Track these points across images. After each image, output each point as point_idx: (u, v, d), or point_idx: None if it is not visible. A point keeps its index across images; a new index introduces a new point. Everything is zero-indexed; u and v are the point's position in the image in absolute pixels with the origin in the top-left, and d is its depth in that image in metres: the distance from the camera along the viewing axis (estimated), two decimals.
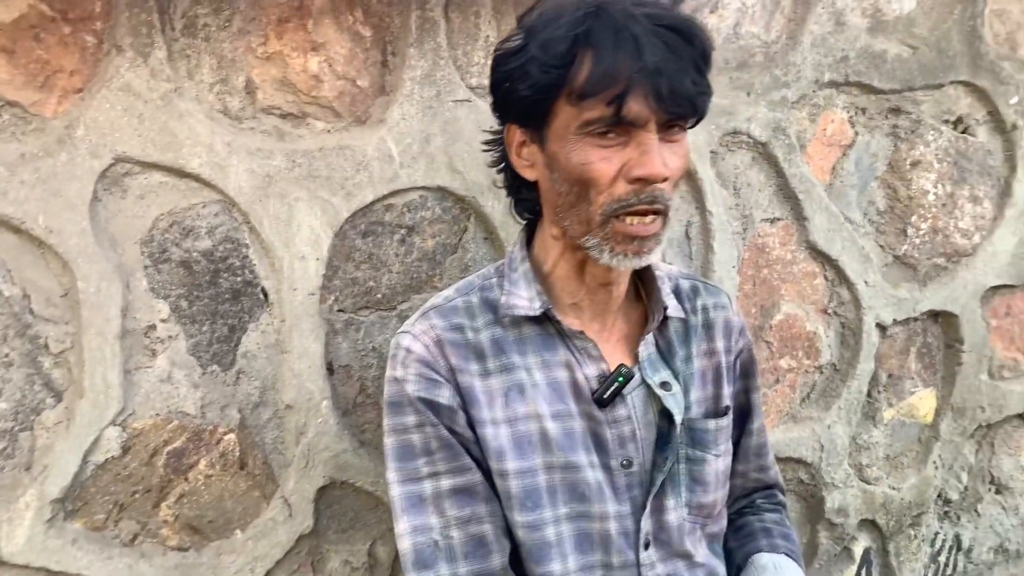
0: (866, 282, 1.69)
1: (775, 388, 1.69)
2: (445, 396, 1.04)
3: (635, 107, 0.92)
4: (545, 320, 1.08)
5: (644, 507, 1.08)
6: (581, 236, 1.01)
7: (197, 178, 1.23)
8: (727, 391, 1.17)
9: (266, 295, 1.30)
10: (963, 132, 1.76)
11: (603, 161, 0.95)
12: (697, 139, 1.50)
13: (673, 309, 1.12)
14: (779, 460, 1.70)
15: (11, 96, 1.14)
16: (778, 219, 1.63)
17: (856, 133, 1.67)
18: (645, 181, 0.95)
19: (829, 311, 1.71)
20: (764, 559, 1.17)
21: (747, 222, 1.60)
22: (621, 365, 1.06)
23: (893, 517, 1.85)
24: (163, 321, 1.24)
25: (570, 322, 1.09)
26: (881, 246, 1.73)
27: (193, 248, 1.25)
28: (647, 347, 1.12)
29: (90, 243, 1.18)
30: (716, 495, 1.14)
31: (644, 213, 0.97)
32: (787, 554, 1.19)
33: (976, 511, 1.99)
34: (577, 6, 0.96)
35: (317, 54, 1.28)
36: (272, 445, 1.32)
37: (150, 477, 1.25)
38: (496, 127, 1.15)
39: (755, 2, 1.55)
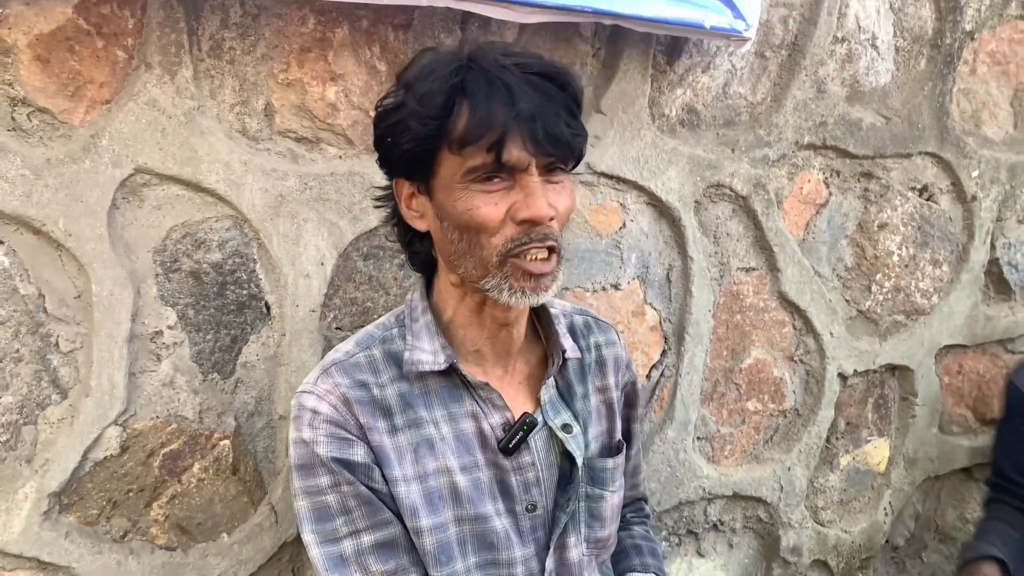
0: (831, 333, 1.79)
1: (740, 428, 1.78)
2: (359, 454, 1.03)
3: (514, 152, 0.96)
4: (450, 371, 1.09)
5: (548, 547, 1.11)
6: (479, 279, 1.02)
7: (213, 193, 1.29)
8: (618, 425, 1.23)
9: (268, 309, 1.35)
10: (928, 199, 1.88)
11: (489, 206, 0.98)
12: (683, 189, 1.60)
13: (571, 350, 1.16)
14: (740, 498, 1.79)
15: (42, 103, 1.19)
16: (753, 269, 1.72)
17: (830, 193, 1.78)
18: (532, 222, 0.98)
19: (795, 359, 1.80)
20: None
21: (724, 269, 1.69)
22: (525, 414, 1.09)
23: (843, 559, 1.94)
24: (170, 328, 1.29)
25: (473, 371, 1.10)
26: (847, 300, 1.83)
27: (203, 260, 1.30)
28: (548, 390, 1.15)
29: (106, 248, 1.23)
30: (611, 528, 1.19)
31: (536, 255, 1.00)
32: (656, 572, 1.29)
33: (921, 558, 2.09)
34: (451, 60, 1.00)
35: (335, 84, 1.35)
36: (263, 453, 1.37)
37: (145, 477, 1.29)
38: (385, 183, 1.15)
39: (744, 65, 1.65)
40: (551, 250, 1.01)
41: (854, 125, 1.75)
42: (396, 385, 1.08)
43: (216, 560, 1.34)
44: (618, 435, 1.23)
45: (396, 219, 1.14)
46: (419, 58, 1.03)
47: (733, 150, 1.65)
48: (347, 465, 1.03)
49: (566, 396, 1.18)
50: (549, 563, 1.11)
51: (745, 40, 1.48)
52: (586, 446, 1.16)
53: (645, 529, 1.37)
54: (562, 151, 0.98)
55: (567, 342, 1.17)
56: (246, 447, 1.36)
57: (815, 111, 1.71)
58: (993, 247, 1.98)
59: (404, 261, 1.42)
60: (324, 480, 1.02)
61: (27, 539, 1.22)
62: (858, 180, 1.80)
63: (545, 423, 1.13)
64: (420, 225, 1.08)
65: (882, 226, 1.83)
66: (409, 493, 1.05)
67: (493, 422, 1.10)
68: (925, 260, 1.90)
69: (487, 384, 1.10)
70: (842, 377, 1.83)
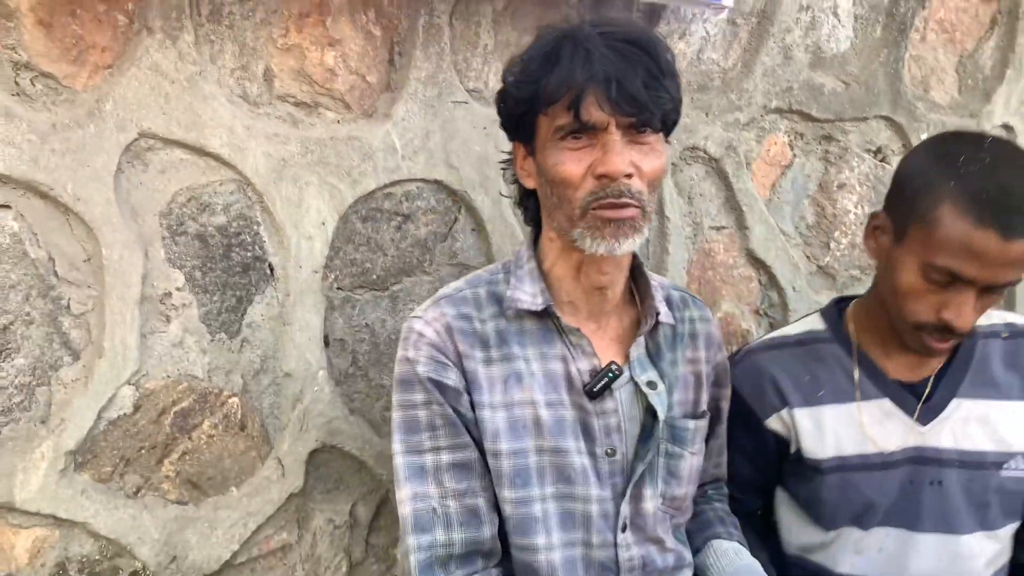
0: (793, 288, 1.91)
1: None
2: (452, 378, 1.13)
3: (592, 111, 1.04)
4: (545, 315, 1.18)
5: (624, 494, 1.17)
6: (568, 231, 1.11)
7: (217, 157, 1.31)
8: (704, 397, 1.28)
9: (272, 270, 1.39)
10: (881, 160, 2.00)
11: (573, 162, 1.07)
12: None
13: (665, 315, 1.23)
14: None
15: (46, 68, 1.20)
16: (724, 227, 1.82)
17: (794, 155, 1.88)
18: (607, 177, 1.05)
19: (760, 311, 1.92)
20: (724, 545, 1.31)
21: (697, 229, 1.79)
22: (612, 362, 1.16)
23: None
24: (178, 290, 1.32)
25: (568, 319, 1.18)
26: (808, 256, 1.95)
27: (209, 223, 1.33)
28: (638, 348, 1.21)
29: (114, 212, 1.25)
30: (688, 489, 1.24)
31: (613, 206, 1.06)
32: (739, 542, 1.34)
33: None
34: (553, 33, 1.11)
35: (333, 49, 1.38)
36: (269, 410, 1.42)
37: (157, 434, 1.33)
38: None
39: (717, 32, 1.73)
40: (635, 205, 1.07)
41: (816, 90, 1.85)
42: (495, 322, 1.18)
43: (226, 513, 1.39)
44: (703, 406, 1.28)
45: (515, 178, 1.24)
46: (537, 34, 1.14)
47: (707, 114, 1.73)
48: (440, 387, 1.13)
49: (655, 357, 1.24)
50: (625, 509, 1.17)
51: (723, 8, 1.55)
52: (670, 407, 1.22)
53: (725, 505, 1.42)
54: (640, 111, 1.04)
55: (663, 307, 1.23)
56: (253, 404, 1.40)
57: (782, 77, 1.80)
58: None
59: (399, 223, 1.47)
60: (419, 396, 1.13)
61: (44, 497, 1.25)
62: (819, 143, 1.90)
63: (631, 378, 1.20)
64: (529, 183, 1.19)
65: (840, 186, 1.94)
66: (494, 418, 1.14)
67: (581, 367, 1.17)
68: None
69: (578, 330, 1.18)
70: None
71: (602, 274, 1.16)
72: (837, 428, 1.35)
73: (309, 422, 1.43)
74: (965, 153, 1.18)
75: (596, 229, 1.08)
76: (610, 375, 1.16)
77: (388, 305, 1.50)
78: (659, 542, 1.21)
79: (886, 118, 1.96)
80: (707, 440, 1.37)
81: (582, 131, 1.07)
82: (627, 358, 1.21)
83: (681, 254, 1.76)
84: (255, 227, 1.37)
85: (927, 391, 1.33)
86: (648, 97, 1.04)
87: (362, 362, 1.49)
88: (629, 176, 1.06)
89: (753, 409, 1.40)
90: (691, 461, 1.24)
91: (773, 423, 1.39)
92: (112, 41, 1.24)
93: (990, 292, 1.17)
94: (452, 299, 1.19)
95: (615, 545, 1.17)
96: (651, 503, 1.20)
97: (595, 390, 1.16)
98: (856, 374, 1.36)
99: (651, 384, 1.20)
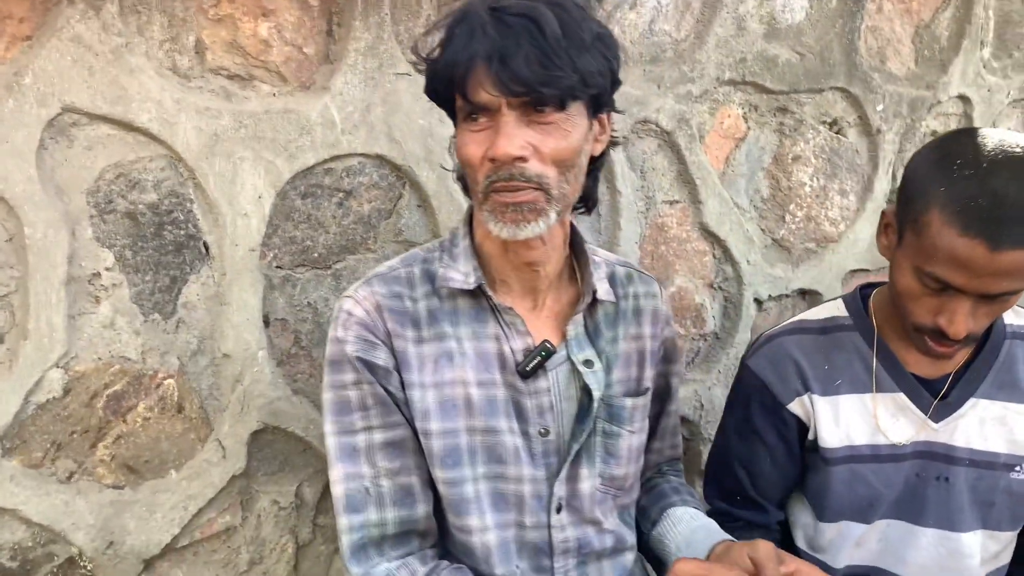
0: (748, 261, 1.90)
1: None
2: (381, 358, 1.12)
3: (479, 91, 0.99)
4: (479, 294, 1.16)
5: (558, 474, 1.17)
6: (480, 211, 1.09)
7: (146, 132, 1.27)
8: (648, 374, 1.27)
9: (207, 249, 1.35)
10: (837, 133, 1.98)
11: (474, 144, 1.04)
12: (613, 126, 1.64)
13: (603, 293, 1.21)
14: None
15: None
16: (677, 201, 1.80)
17: (748, 128, 1.85)
18: (495, 160, 1.01)
19: (715, 286, 1.91)
20: (679, 511, 1.30)
21: (650, 203, 1.76)
22: (545, 341, 1.15)
23: None
24: (107, 269, 1.28)
25: (501, 298, 1.17)
26: (763, 230, 1.93)
27: (139, 200, 1.29)
28: (575, 326, 1.20)
29: (37, 190, 1.20)
30: (628, 469, 1.23)
31: (507, 190, 1.03)
32: (695, 507, 1.34)
33: None
34: (453, 11, 1.05)
35: (267, 19, 1.33)
36: (208, 391, 1.39)
37: (89, 418, 1.29)
38: None
39: (668, 2, 1.69)
40: (534, 188, 1.03)
41: (771, 61, 1.82)
42: (428, 301, 1.16)
43: (165, 496, 1.37)
44: (646, 384, 1.26)
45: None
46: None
47: (659, 86, 1.70)
48: (369, 366, 1.11)
49: (593, 336, 1.22)
50: (559, 489, 1.16)
51: None
52: (608, 386, 1.20)
53: (682, 480, 1.42)
54: (526, 90, 0.98)
55: (601, 285, 1.21)
56: (191, 386, 1.37)
57: (735, 48, 1.77)
58: (895, 178, 2.11)
59: (341, 199, 1.44)
60: (349, 376, 1.11)
61: None
62: (774, 115, 1.88)
63: (568, 357, 1.18)
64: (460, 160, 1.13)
65: (795, 159, 1.92)
66: (424, 398, 1.12)
67: (514, 346, 1.16)
68: (834, 191, 2.01)
69: (511, 309, 1.16)
70: (758, 302, 1.94)
71: (530, 249, 1.13)
72: (851, 418, 1.34)
73: (250, 403, 1.40)
74: (963, 156, 1.11)
75: (497, 213, 1.05)
76: (543, 354, 1.15)
77: (331, 284, 1.46)
78: (597, 523, 1.20)
79: (842, 89, 1.95)
80: (658, 419, 1.37)
81: (477, 112, 1.03)
82: (564, 336, 1.20)
83: (633, 229, 1.74)
84: (188, 204, 1.33)
85: (945, 388, 1.31)
86: (535, 74, 0.97)
87: (305, 342, 1.46)
88: (523, 160, 1.01)
89: (775, 393, 1.37)
90: (630, 440, 1.22)
91: (795, 407, 1.37)
92: (30, 11, 1.19)
93: (990, 300, 1.13)
94: (384, 278, 1.17)
95: (548, 527, 1.16)
96: (588, 483, 1.18)
97: (527, 369, 1.14)
98: (874, 365, 1.34)
99: (587, 363, 1.19)
